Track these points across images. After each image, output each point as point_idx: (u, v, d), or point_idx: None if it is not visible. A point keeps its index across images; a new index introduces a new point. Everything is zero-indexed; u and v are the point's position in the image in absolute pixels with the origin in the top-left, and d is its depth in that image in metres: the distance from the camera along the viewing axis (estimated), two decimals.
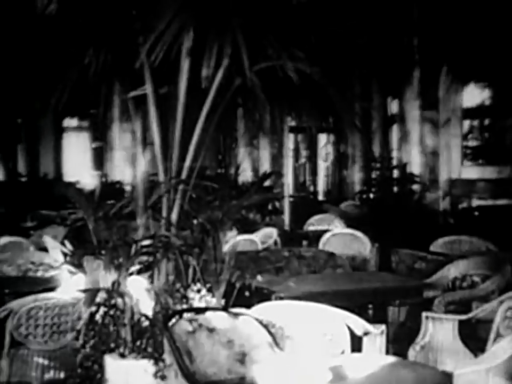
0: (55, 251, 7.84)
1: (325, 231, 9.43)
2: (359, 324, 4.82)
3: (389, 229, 10.71)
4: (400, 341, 5.89)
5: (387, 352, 5.01)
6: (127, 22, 5.69)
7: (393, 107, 17.07)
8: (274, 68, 5.57)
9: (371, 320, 5.03)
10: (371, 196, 14.94)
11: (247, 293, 5.43)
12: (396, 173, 15.25)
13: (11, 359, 5.36)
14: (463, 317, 5.56)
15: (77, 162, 21.64)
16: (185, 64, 5.68)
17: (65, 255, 7.26)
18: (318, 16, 6.11)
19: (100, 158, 20.64)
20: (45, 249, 7.97)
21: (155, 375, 4.79)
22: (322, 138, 19.54)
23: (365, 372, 4.29)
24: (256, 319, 4.72)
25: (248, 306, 4.98)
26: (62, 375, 5.47)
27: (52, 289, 5.99)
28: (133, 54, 5.66)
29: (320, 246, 8.75)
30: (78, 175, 19.24)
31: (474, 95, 15.78)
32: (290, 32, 5.76)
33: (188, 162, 5.82)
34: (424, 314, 5.66)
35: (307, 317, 4.86)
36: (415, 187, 14.39)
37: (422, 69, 14.44)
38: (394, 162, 16.03)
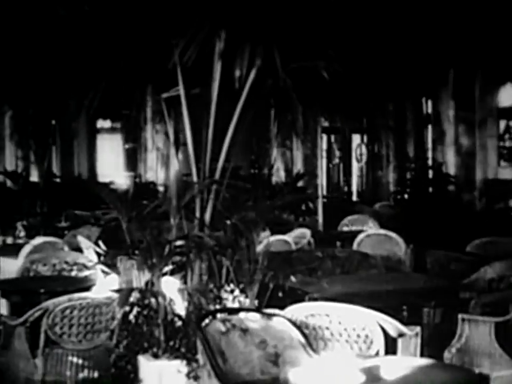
0: (89, 251, 7.90)
1: (359, 232, 9.37)
2: (393, 326, 4.77)
3: (424, 230, 10.62)
4: (435, 343, 5.82)
5: (422, 354, 4.95)
6: (160, 25, 5.71)
7: (428, 107, 16.95)
8: (307, 68, 5.56)
9: (405, 322, 4.97)
10: (405, 196, 14.83)
11: (280, 294, 5.40)
12: (430, 174, 15.13)
13: (46, 358, 5.40)
14: (500, 319, 5.48)
15: (110, 163, 21.79)
16: (217, 65, 5.68)
17: (99, 255, 7.32)
18: (353, 15, 6.07)
19: (133, 159, 20.76)
20: (79, 249, 8.02)
21: (188, 375, 4.80)
22: (356, 138, 19.46)
23: (399, 374, 4.23)
24: (289, 320, 4.70)
25: (282, 307, 4.96)
26: (95, 374, 5.49)
27: (86, 289, 6.02)
28: (166, 55, 5.68)
29: (354, 247, 8.69)
30: (111, 175, 19.36)
31: (510, 95, 15.58)
32: (323, 32, 5.74)
33: (220, 163, 5.82)
34: (460, 316, 5.58)
35: (341, 318, 4.82)
36: (451, 188, 14.26)
37: (457, 69, 14.32)
38: (429, 162, 15.91)
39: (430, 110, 16.74)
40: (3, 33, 11.26)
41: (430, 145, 16.62)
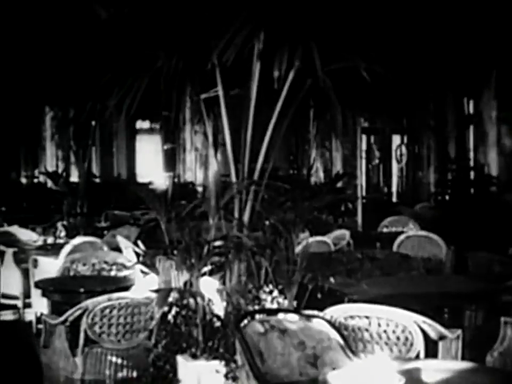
0: (128, 251, 7.95)
1: (399, 233, 9.28)
2: (434, 328, 4.71)
3: (465, 231, 10.48)
4: (477, 346, 5.74)
5: (463, 358, 4.88)
6: (199, 26, 5.71)
7: (470, 107, 16.75)
8: (347, 69, 5.52)
9: (447, 324, 4.91)
10: (446, 197, 14.67)
11: (319, 295, 5.37)
12: (472, 175, 14.95)
13: (85, 357, 5.44)
14: None
15: (149, 164, 21.93)
16: (256, 66, 5.67)
17: (138, 255, 7.37)
18: (394, 15, 6.01)
19: (172, 159, 20.87)
20: (118, 249, 8.07)
21: (226, 376, 4.79)
22: (396, 139, 19.31)
23: (440, 377, 4.18)
24: (328, 321, 4.67)
25: (320, 308, 4.93)
26: (134, 374, 5.52)
27: (125, 288, 6.05)
28: (205, 56, 5.68)
29: (394, 248, 8.62)
30: (150, 176, 19.47)
31: None
32: (363, 33, 5.69)
33: (259, 163, 5.81)
34: (502, 319, 5.49)
35: (380, 320, 4.78)
36: (492, 189, 14.07)
37: (500, 69, 14.12)
38: (471, 163, 15.72)
39: (471, 111, 16.55)
40: (45, 36, 11.39)
41: (471, 146, 16.43)
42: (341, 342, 4.55)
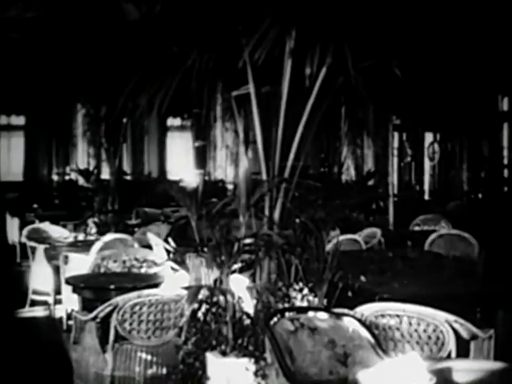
0: (158, 248, 7.97)
1: (431, 232, 9.21)
2: (465, 328, 4.66)
3: (499, 230, 10.37)
4: (509, 346, 5.67)
5: (495, 358, 4.82)
6: (230, 23, 5.70)
7: (504, 105, 16.58)
8: (379, 66, 5.48)
9: (479, 324, 4.85)
10: (479, 195, 14.54)
11: (349, 293, 5.34)
12: (506, 173, 14.79)
13: (115, 354, 5.46)
14: None
15: (180, 161, 21.99)
16: (288, 63, 5.65)
17: (168, 252, 7.38)
18: (427, 13, 5.96)
19: (202, 157, 20.91)
20: (148, 246, 8.10)
21: (256, 373, 4.78)
22: (429, 136, 19.17)
23: (472, 377, 4.14)
24: (359, 320, 4.64)
25: (351, 306, 4.90)
26: (164, 371, 5.53)
27: (155, 285, 6.06)
28: (236, 54, 5.67)
29: (426, 247, 8.55)
30: (181, 173, 19.52)
31: None
32: (397, 29, 5.65)
33: (290, 161, 5.79)
34: None
35: (411, 319, 4.74)
36: None
37: None
38: (505, 161, 15.56)
39: (506, 108, 16.38)
40: (77, 34, 11.47)
41: (505, 143, 16.26)
42: (372, 340, 4.52)
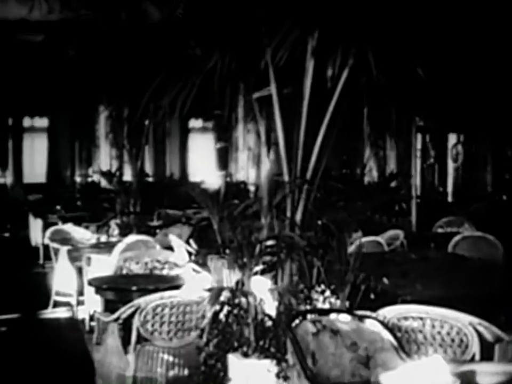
0: (180, 250, 7.98)
1: (454, 234, 9.14)
2: (490, 330, 4.61)
3: None
4: None
5: None
6: (253, 24, 5.70)
7: None
8: (402, 68, 5.45)
9: (503, 327, 4.80)
10: (503, 197, 14.42)
11: (372, 296, 5.31)
12: None
13: (137, 355, 5.47)
14: None
15: (201, 163, 22.01)
16: (310, 64, 5.63)
17: (190, 254, 7.38)
18: (452, 13, 5.92)
19: (224, 158, 20.91)
20: (170, 248, 8.11)
21: (277, 375, 4.77)
22: (452, 138, 19.04)
23: (496, 380, 4.10)
24: (381, 322, 4.61)
25: (373, 309, 4.87)
26: (186, 372, 5.53)
27: (177, 287, 6.06)
28: (258, 55, 5.67)
29: (449, 249, 8.49)
30: (203, 175, 19.54)
31: None
32: (420, 30, 5.61)
33: (312, 163, 5.77)
34: None
35: (435, 321, 4.70)
36: None
37: None
38: None
39: None
40: (99, 35, 11.51)
41: None
42: (394, 343, 4.49)
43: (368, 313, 4.78)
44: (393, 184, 14.28)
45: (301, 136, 5.76)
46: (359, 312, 4.79)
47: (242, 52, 5.80)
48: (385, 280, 5.64)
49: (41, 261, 12.95)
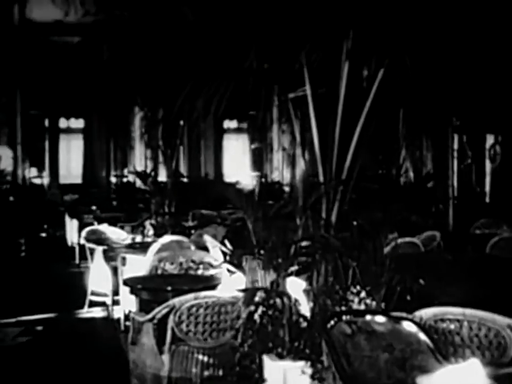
0: (215, 250, 7.98)
1: (492, 235, 9.03)
2: None
3: None
4: None
5: None
6: (287, 25, 5.69)
7: None
8: (439, 68, 5.40)
9: None
10: None
11: (408, 297, 5.26)
12: None
13: (172, 355, 5.47)
14: None
15: (236, 163, 22.06)
16: (345, 65, 5.60)
17: (224, 254, 7.37)
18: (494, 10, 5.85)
19: (259, 159, 20.94)
20: (205, 248, 8.12)
21: (312, 376, 4.74)
22: (490, 138, 18.84)
23: None
24: (418, 324, 4.56)
25: (409, 310, 4.82)
26: (220, 372, 5.53)
27: (211, 287, 6.06)
28: (293, 56, 5.65)
29: (487, 251, 8.39)
30: (237, 175, 19.58)
31: None
32: (456, 30, 5.56)
33: (347, 163, 5.74)
34: None
35: (472, 323, 4.64)
36: None
37: None
38: None
39: None
40: (134, 37, 11.58)
41: None
42: (431, 345, 4.44)
43: (404, 314, 4.73)
44: (429, 184, 14.17)
45: (336, 136, 5.73)
46: (395, 314, 4.74)
47: (277, 52, 5.79)
48: (422, 282, 5.59)
49: (77, 261, 13.06)
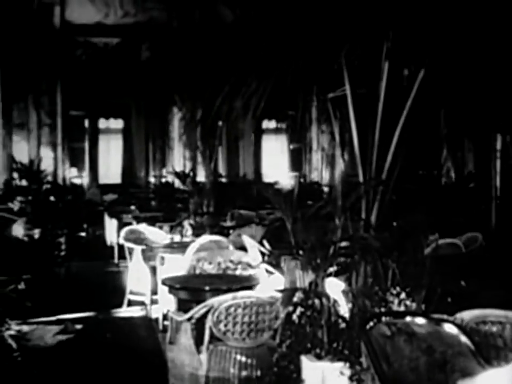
0: (253, 250, 7.97)
1: None
2: None
3: None
4: None
5: None
6: (327, 25, 5.66)
7: None
8: (481, 66, 5.33)
9: None
10: None
11: (449, 299, 5.20)
12: None
13: (210, 354, 5.48)
14: None
15: (275, 164, 22.05)
16: (385, 65, 5.56)
17: (263, 254, 7.37)
18: None
19: (298, 159, 20.90)
20: (243, 248, 8.11)
21: (351, 378, 4.71)
22: None
23: None
24: (459, 326, 4.50)
25: (451, 312, 4.76)
26: (258, 372, 5.51)
27: (250, 287, 6.05)
28: (332, 56, 5.62)
29: None
30: (276, 175, 19.57)
31: None
32: (496, 27, 5.48)
33: (388, 163, 5.69)
34: None
35: None
36: None
37: None
38: None
39: None
40: (173, 37, 11.64)
41: None
42: (472, 347, 4.37)
43: (445, 316, 4.67)
44: (471, 185, 14.01)
45: (376, 136, 5.68)
46: (436, 316, 4.69)
47: (316, 52, 5.77)
48: (463, 283, 5.52)
49: (116, 260, 13.15)
